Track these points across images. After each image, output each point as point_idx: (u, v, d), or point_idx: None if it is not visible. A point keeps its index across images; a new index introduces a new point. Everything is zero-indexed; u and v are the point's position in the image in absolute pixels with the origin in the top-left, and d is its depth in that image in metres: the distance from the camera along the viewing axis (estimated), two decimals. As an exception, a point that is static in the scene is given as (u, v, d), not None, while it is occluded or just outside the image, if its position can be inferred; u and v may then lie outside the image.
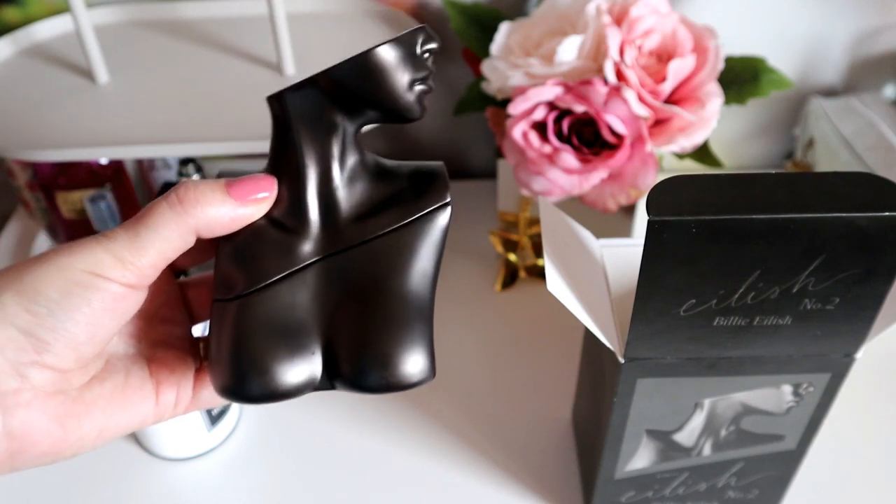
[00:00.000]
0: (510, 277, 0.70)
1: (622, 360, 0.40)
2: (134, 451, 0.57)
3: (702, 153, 0.62)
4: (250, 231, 0.32)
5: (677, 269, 0.35)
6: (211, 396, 0.34)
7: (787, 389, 0.42)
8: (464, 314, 0.67)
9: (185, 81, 0.65)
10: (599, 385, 0.46)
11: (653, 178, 0.55)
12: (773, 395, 0.42)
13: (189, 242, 0.30)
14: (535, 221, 0.68)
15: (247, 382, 0.30)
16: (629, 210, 0.68)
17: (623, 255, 0.45)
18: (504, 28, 0.61)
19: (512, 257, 0.70)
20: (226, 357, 0.31)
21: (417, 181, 0.33)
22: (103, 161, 0.67)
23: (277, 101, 0.31)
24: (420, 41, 0.31)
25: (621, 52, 0.55)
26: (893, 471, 0.55)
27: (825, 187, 0.34)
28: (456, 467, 0.56)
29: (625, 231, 0.68)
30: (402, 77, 0.31)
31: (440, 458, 0.56)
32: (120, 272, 0.29)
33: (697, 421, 0.44)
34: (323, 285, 0.32)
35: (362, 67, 0.30)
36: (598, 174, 0.56)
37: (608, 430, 0.44)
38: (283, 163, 0.32)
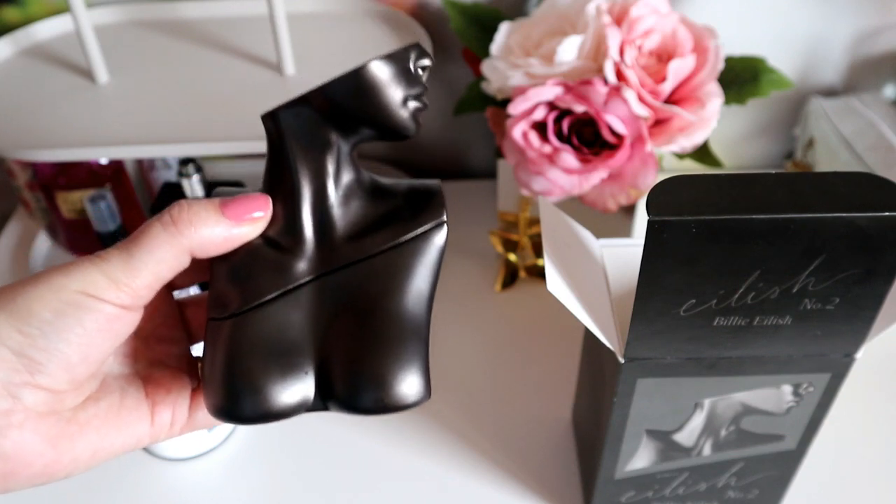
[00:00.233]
0: (510, 277, 0.70)
1: (622, 360, 0.40)
2: (134, 451, 0.57)
3: (702, 153, 0.62)
4: (245, 250, 0.31)
5: (677, 269, 0.35)
6: (206, 417, 0.34)
7: (787, 389, 0.42)
8: (464, 314, 0.67)
9: (185, 81, 0.65)
10: (599, 385, 0.46)
11: (653, 178, 0.55)
12: (773, 395, 0.42)
13: (184, 263, 0.30)
14: (535, 221, 0.68)
15: (239, 402, 0.30)
16: (629, 210, 0.68)
17: (623, 255, 0.45)
18: (504, 28, 0.61)
19: (512, 257, 0.70)
20: (218, 376, 0.30)
21: (413, 200, 0.33)
22: (103, 161, 0.67)
23: (271, 119, 0.31)
24: (413, 57, 0.31)
25: (621, 52, 0.55)
26: (893, 471, 0.55)
27: (825, 187, 0.34)
28: (456, 467, 0.56)
29: (625, 231, 0.68)
30: (394, 93, 0.31)
31: (440, 458, 0.56)
32: (114, 293, 0.29)
33: (697, 421, 0.44)
34: (317, 304, 0.31)
35: (354, 83, 0.30)
36: (598, 174, 0.56)
37: (608, 430, 0.44)
38: (278, 181, 0.32)
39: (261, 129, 0.58)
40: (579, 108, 0.55)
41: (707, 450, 0.46)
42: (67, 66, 0.67)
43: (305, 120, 0.31)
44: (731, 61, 0.61)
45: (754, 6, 0.70)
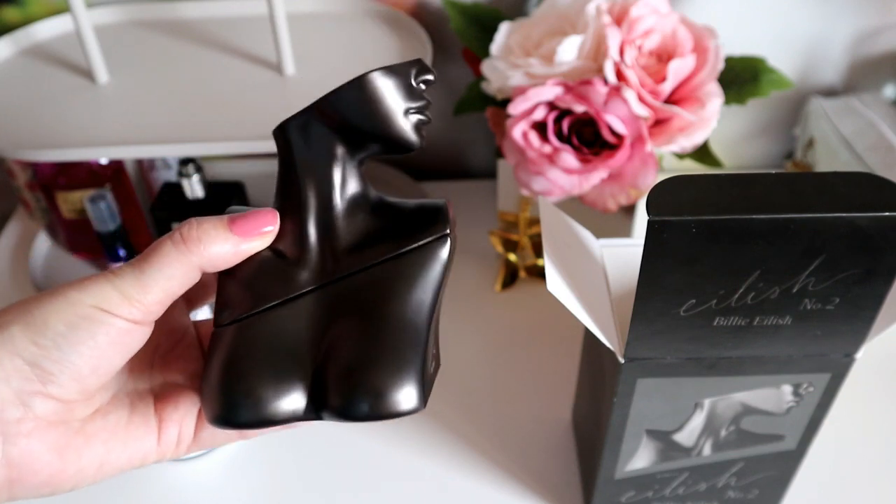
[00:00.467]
0: (510, 277, 0.70)
1: (622, 360, 0.40)
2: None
3: (702, 153, 0.62)
4: (250, 259, 0.32)
5: (677, 269, 0.35)
6: (211, 436, 0.34)
7: (787, 389, 0.42)
8: (464, 314, 0.67)
9: (185, 81, 0.65)
10: (599, 385, 0.46)
11: (653, 178, 0.55)
12: (773, 395, 0.42)
13: (194, 279, 0.31)
14: (535, 221, 0.68)
15: (233, 406, 0.30)
16: (629, 210, 0.68)
17: (623, 255, 0.45)
18: (504, 28, 0.61)
19: (512, 257, 0.70)
20: (215, 380, 0.31)
21: (419, 216, 0.33)
22: (103, 161, 0.67)
23: (280, 132, 0.32)
24: (414, 72, 0.32)
25: (621, 52, 0.55)
26: (893, 471, 0.55)
27: (825, 187, 0.34)
28: (456, 467, 0.56)
29: (625, 231, 0.68)
30: (395, 104, 0.31)
31: (440, 458, 0.56)
32: (126, 309, 0.30)
33: (697, 421, 0.44)
34: (317, 313, 0.32)
35: (356, 92, 0.31)
36: (598, 174, 0.56)
37: (608, 430, 0.44)
38: (287, 192, 0.32)
39: (261, 129, 0.59)
40: (579, 108, 0.55)
41: (707, 450, 0.46)
42: (67, 66, 0.67)
43: (311, 132, 0.31)
44: (731, 61, 0.61)
45: (754, 6, 0.70)
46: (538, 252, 0.70)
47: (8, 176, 0.70)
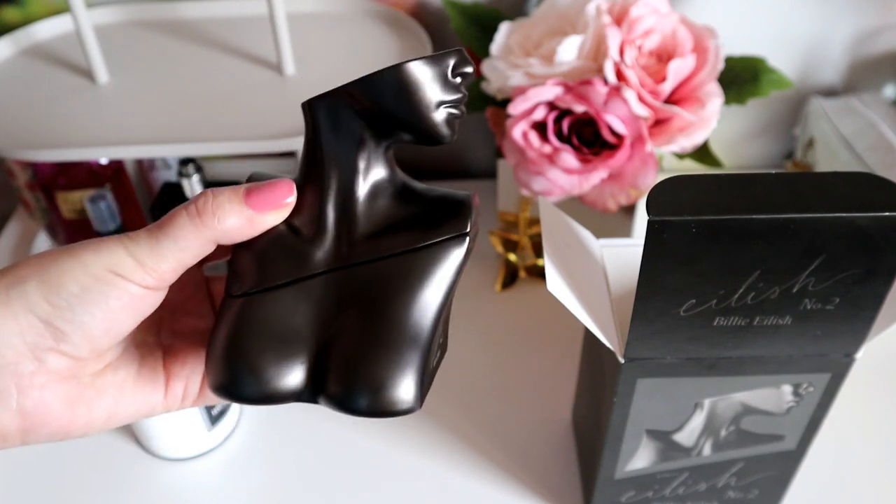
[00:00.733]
0: (510, 277, 0.70)
1: (622, 360, 0.40)
2: (134, 451, 0.57)
3: (702, 153, 0.62)
4: (267, 233, 0.32)
5: (677, 269, 0.35)
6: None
7: (787, 389, 0.42)
8: (464, 314, 0.67)
9: (185, 81, 0.65)
10: (599, 385, 0.46)
11: (653, 178, 0.55)
12: (773, 395, 0.42)
13: (208, 250, 0.31)
14: (535, 221, 0.68)
15: (234, 379, 0.31)
16: (629, 210, 0.68)
17: (623, 255, 0.45)
18: (504, 28, 0.61)
19: (512, 257, 0.70)
20: (219, 352, 0.31)
21: (441, 208, 0.32)
22: (103, 161, 0.67)
23: (308, 108, 0.31)
24: (452, 63, 0.31)
25: (621, 52, 0.55)
26: (893, 471, 0.55)
27: (825, 187, 0.34)
28: (456, 467, 0.56)
29: (625, 231, 0.68)
30: (429, 95, 0.30)
31: (440, 458, 0.56)
32: (140, 275, 0.30)
33: (697, 421, 0.44)
34: (326, 297, 0.32)
35: (389, 80, 0.30)
36: (598, 174, 0.56)
37: (608, 430, 0.44)
38: (310, 169, 0.32)
39: (261, 129, 0.59)
40: (579, 108, 0.55)
41: (707, 450, 0.46)
42: (67, 66, 0.67)
43: (340, 113, 0.31)
44: (731, 61, 0.61)
45: (754, 6, 0.70)
46: (538, 252, 0.70)
47: (8, 176, 0.70)
